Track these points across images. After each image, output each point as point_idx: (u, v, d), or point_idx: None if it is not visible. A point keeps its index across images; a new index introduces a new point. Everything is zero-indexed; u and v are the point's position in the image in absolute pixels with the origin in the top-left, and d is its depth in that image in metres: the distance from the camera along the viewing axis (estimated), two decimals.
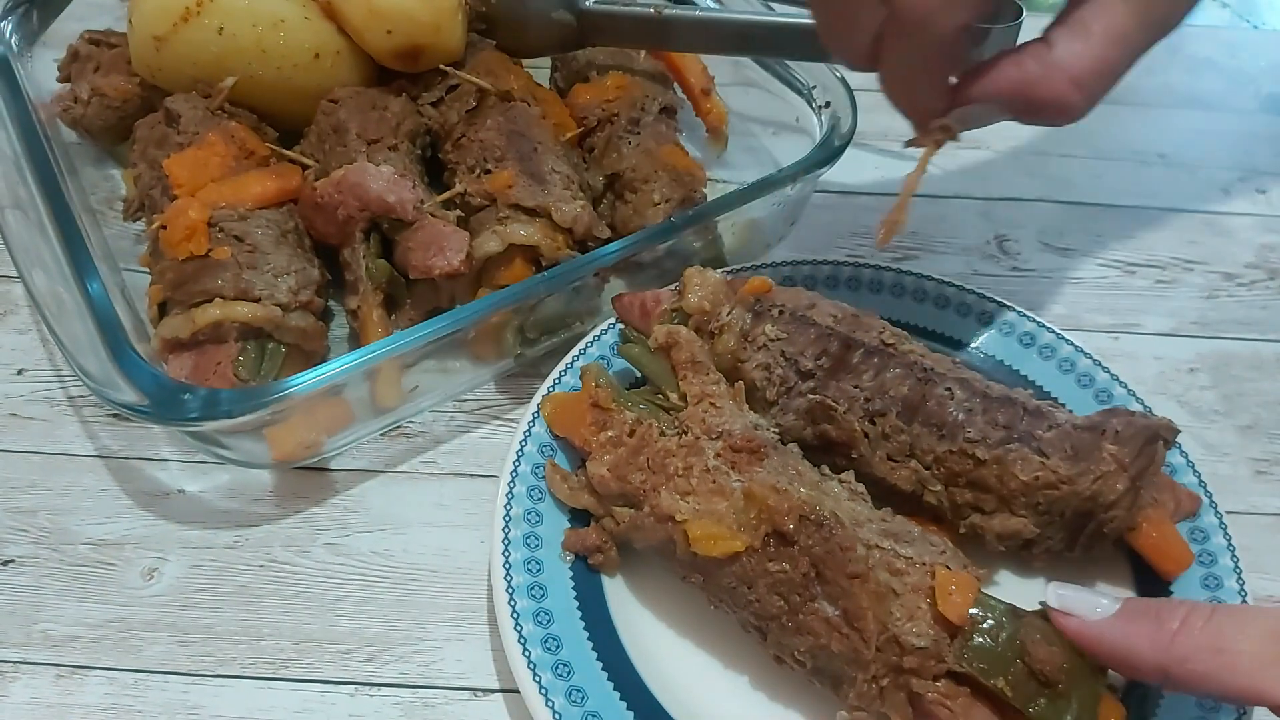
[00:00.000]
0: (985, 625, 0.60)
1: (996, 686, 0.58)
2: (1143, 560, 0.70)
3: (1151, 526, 0.69)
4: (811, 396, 0.72)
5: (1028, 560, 0.71)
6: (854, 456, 0.72)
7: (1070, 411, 0.73)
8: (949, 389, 0.70)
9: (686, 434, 0.69)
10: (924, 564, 0.62)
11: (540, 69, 1.07)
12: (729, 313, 0.76)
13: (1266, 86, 1.24)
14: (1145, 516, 0.69)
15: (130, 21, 0.89)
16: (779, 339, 0.74)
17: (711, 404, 0.70)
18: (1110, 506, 0.67)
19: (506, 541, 0.69)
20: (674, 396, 0.72)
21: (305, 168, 0.88)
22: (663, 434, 0.69)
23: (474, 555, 0.77)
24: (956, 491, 0.70)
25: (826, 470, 0.70)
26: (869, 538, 0.63)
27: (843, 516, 0.63)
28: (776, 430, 0.72)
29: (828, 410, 0.71)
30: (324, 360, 0.81)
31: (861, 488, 0.69)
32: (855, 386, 0.72)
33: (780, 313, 0.75)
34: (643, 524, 0.67)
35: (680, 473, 0.66)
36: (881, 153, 1.12)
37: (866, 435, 0.71)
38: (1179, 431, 0.71)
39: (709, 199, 0.91)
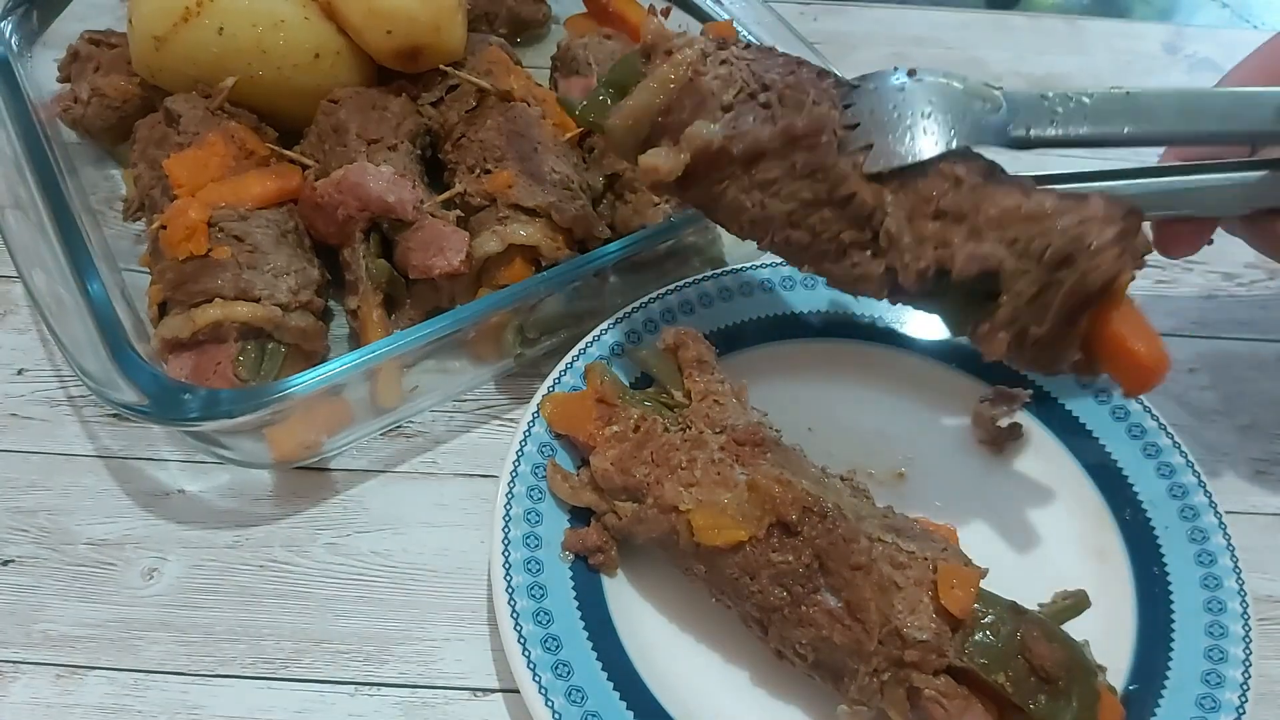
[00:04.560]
0: (986, 620, 0.60)
1: (997, 682, 0.59)
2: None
3: (1124, 316, 0.61)
4: (774, 91, 0.65)
5: (988, 338, 0.63)
6: (822, 141, 0.64)
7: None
8: None
9: (690, 429, 0.69)
10: (926, 558, 0.62)
11: (540, 69, 1.07)
12: (689, 37, 0.69)
13: None
14: (1123, 293, 0.61)
15: (130, 21, 0.89)
16: (744, 59, 0.67)
17: (715, 401, 0.71)
18: (1095, 253, 0.59)
19: (506, 541, 0.69)
20: (678, 394, 0.73)
21: (305, 168, 0.88)
22: (666, 430, 0.69)
23: (474, 555, 0.77)
24: (921, 224, 0.63)
25: (828, 469, 0.70)
26: (872, 531, 0.63)
27: (845, 510, 0.63)
28: (726, 141, 0.65)
29: (798, 95, 0.64)
30: (324, 360, 0.81)
31: (864, 485, 0.69)
32: (832, 86, 0.66)
33: (746, 46, 0.70)
34: (646, 516, 0.67)
35: (684, 465, 0.67)
36: None
37: (835, 131, 0.64)
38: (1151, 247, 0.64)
39: None
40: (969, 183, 0.62)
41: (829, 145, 0.64)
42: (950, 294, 0.64)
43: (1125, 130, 0.64)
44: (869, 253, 0.65)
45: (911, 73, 0.66)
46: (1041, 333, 0.62)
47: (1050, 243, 0.60)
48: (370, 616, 0.73)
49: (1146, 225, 0.63)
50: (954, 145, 0.63)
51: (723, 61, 0.67)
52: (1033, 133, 0.64)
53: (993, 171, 0.64)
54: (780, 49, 0.94)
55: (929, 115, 0.64)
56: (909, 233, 0.63)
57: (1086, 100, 0.65)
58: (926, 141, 0.63)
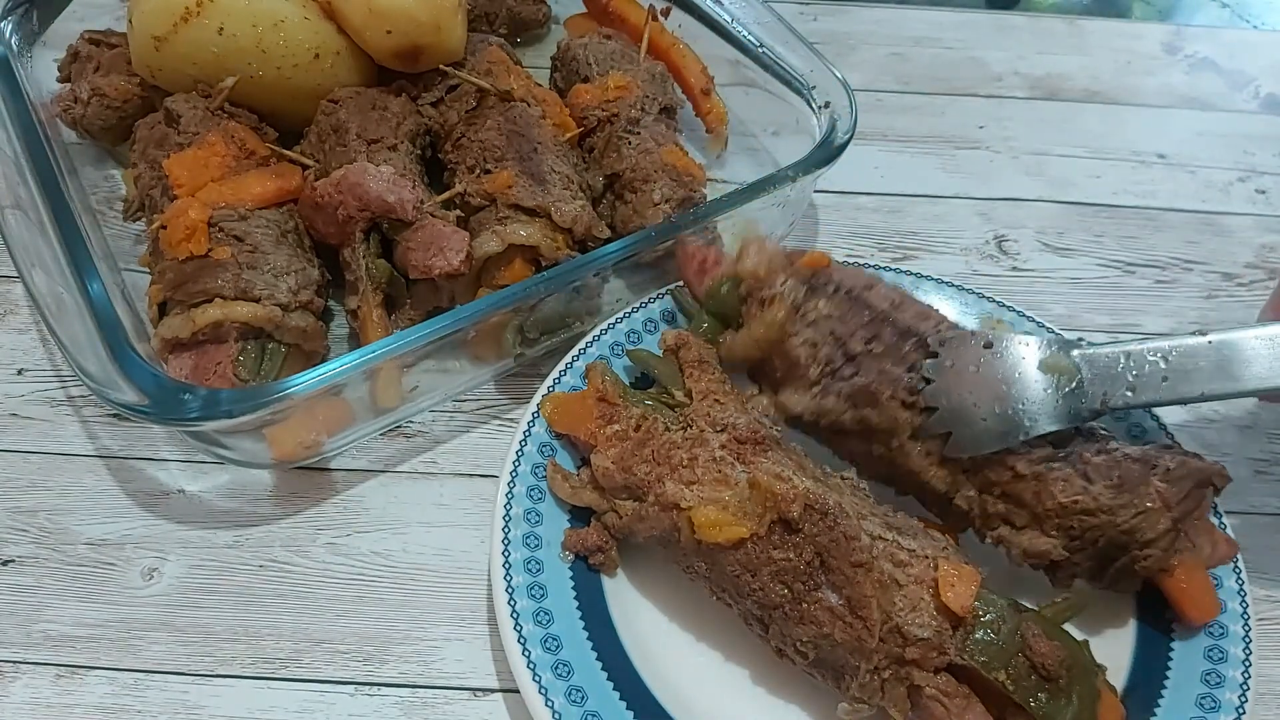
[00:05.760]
0: (987, 618, 0.60)
1: (998, 679, 0.59)
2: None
3: (1184, 572, 0.66)
4: (856, 380, 0.70)
5: (1050, 580, 0.69)
6: (893, 445, 0.70)
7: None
8: None
9: (691, 427, 0.69)
10: (926, 556, 0.62)
11: (540, 69, 1.07)
12: (783, 283, 0.75)
13: (1266, 86, 1.24)
14: (1180, 560, 0.66)
15: (130, 21, 0.89)
16: (830, 316, 0.73)
17: (716, 400, 0.71)
18: (1147, 545, 0.65)
19: (506, 541, 0.69)
20: (679, 394, 0.73)
21: (305, 168, 0.88)
22: (667, 429, 0.69)
23: (474, 555, 0.77)
24: (989, 500, 0.69)
25: (828, 467, 0.70)
26: (873, 529, 0.63)
27: (846, 507, 0.63)
28: (814, 416, 0.72)
29: (873, 396, 0.69)
30: (324, 360, 0.81)
31: (864, 484, 0.69)
32: (908, 372, 0.69)
33: (836, 290, 0.74)
34: (647, 515, 0.67)
35: (685, 463, 0.67)
36: (881, 153, 1.12)
37: (910, 426, 0.69)
38: (1230, 480, 0.68)
39: (709, 199, 0.91)
40: (1031, 472, 0.67)
41: (900, 448, 0.70)
42: None
43: (1202, 392, 0.66)
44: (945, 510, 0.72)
45: (988, 345, 0.69)
46: (1101, 585, 0.69)
47: (1105, 535, 0.66)
48: (370, 616, 0.73)
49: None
50: (1026, 437, 0.67)
51: (810, 323, 0.73)
52: (1109, 402, 0.67)
53: (1060, 444, 0.67)
54: (781, 48, 0.95)
55: (1002, 404, 0.67)
56: (977, 507, 0.69)
57: (1166, 361, 0.66)
58: (1000, 436, 0.67)
